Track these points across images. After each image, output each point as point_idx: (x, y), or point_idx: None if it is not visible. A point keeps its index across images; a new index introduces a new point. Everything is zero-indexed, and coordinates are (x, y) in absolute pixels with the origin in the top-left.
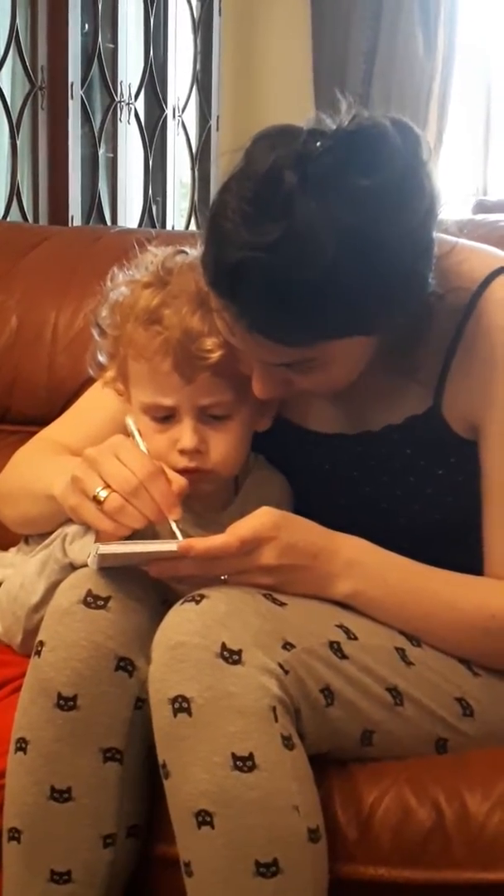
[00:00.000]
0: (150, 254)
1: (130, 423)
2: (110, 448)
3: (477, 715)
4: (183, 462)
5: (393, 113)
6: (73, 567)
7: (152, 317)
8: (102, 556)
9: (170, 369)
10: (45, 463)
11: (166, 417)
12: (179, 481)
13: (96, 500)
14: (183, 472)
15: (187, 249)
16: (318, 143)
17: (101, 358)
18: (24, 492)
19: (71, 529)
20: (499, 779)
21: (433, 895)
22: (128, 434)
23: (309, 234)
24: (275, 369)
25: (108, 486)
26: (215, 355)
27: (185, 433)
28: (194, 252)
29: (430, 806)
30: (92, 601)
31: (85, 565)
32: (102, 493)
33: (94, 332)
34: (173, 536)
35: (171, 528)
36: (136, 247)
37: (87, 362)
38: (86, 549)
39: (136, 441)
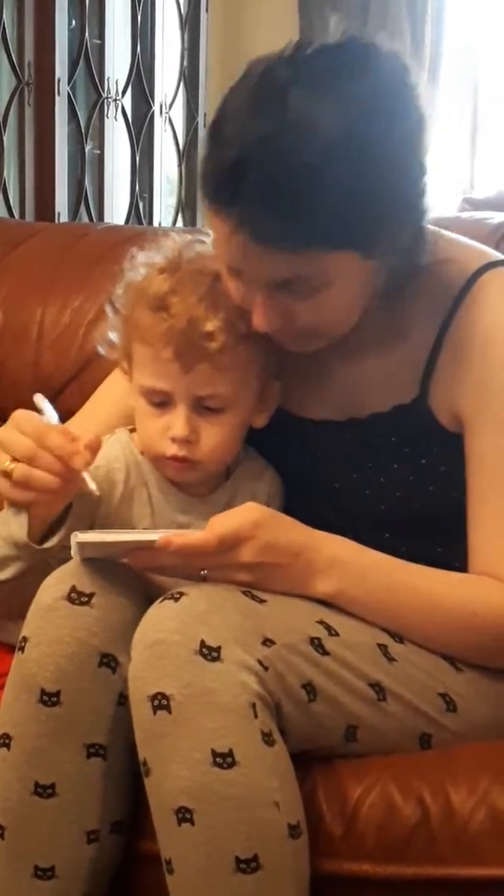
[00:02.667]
0: (171, 240)
1: (38, 399)
2: (11, 422)
3: (460, 710)
4: (172, 450)
5: None
6: (16, 546)
7: (161, 303)
8: (81, 545)
9: (171, 356)
10: None
11: (162, 403)
12: (88, 436)
13: (7, 475)
14: (171, 459)
15: (205, 238)
16: (309, 50)
17: (112, 336)
18: None
19: (3, 511)
20: (483, 775)
21: (418, 891)
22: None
23: (303, 123)
24: (275, 296)
25: (14, 459)
26: (217, 343)
27: (177, 421)
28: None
29: (414, 802)
30: (76, 597)
31: (26, 541)
32: (10, 466)
33: (108, 310)
34: (90, 489)
35: (87, 481)
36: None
37: (96, 340)
38: (24, 525)
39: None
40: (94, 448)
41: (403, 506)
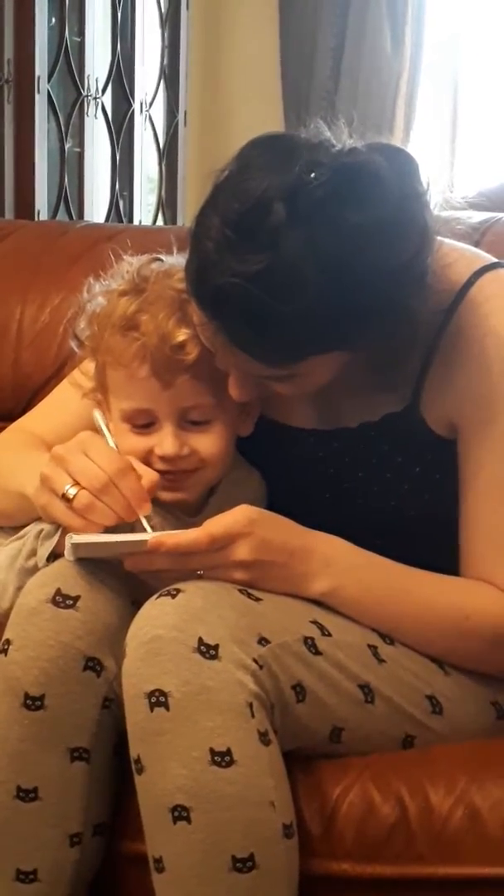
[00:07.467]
0: (126, 263)
1: (98, 417)
2: (79, 445)
3: (446, 713)
4: (162, 465)
5: (378, 139)
6: (36, 567)
7: (129, 323)
8: (76, 546)
9: (147, 374)
10: (20, 457)
11: (146, 425)
12: (151, 476)
13: (66, 498)
14: (166, 473)
15: (163, 256)
16: (313, 175)
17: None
18: None
19: (46, 526)
20: (462, 774)
21: (396, 890)
22: (96, 429)
23: (292, 267)
24: (252, 378)
25: (77, 483)
26: (192, 355)
27: (165, 439)
28: (170, 259)
29: (393, 801)
30: (61, 601)
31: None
32: (72, 491)
33: (73, 345)
34: (145, 531)
35: (142, 523)
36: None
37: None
38: (49, 550)
39: (105, 437)
40: (153, 492)
41: (398, 514)
